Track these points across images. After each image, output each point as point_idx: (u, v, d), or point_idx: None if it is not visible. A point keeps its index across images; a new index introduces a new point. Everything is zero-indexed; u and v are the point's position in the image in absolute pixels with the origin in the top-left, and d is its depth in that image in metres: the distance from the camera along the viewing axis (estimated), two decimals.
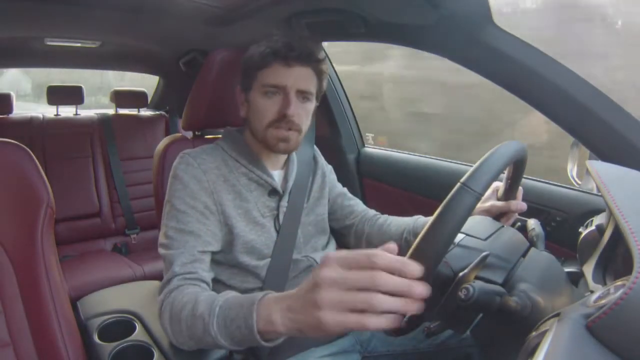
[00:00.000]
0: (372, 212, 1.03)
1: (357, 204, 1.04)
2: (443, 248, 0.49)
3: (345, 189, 1.06)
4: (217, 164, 0.84)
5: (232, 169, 0.85)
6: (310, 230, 0.92)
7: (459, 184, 0.50)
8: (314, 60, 0.83)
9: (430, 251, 0.49)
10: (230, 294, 0.65)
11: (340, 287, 0.43)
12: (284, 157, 0.93)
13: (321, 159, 1.04)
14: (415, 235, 0.88)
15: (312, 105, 0.86)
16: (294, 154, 0.95)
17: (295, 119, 0.81)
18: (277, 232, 0.86)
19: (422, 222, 0.90)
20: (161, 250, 0.78)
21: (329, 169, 1.05)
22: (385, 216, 1.00)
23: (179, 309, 0.67)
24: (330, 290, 0.43)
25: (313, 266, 0.89)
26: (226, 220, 0.81)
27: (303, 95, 0.83)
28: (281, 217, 0.87)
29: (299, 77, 0.81)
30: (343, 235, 1.04)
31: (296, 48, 0.80)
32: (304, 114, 0.83)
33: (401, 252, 0.93)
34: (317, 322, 0.44)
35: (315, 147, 1.05)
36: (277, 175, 0.90)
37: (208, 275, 0.77)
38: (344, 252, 0.45)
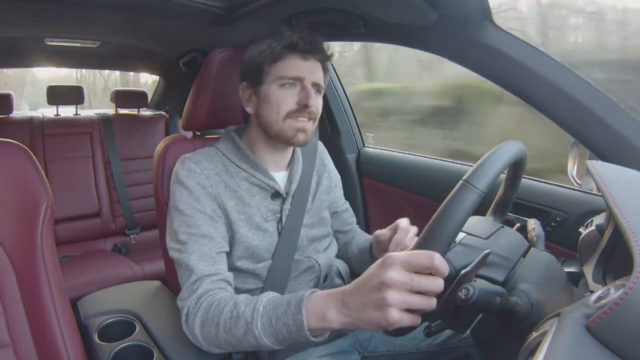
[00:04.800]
0: (358, 229, 1.08)
1: (355, 221, 1.09)
2: (445, 244, 0.49)
3: (348, 204, 1.08)
4: (217, 170, 0.84)
5: (233, 174, 0.85)
6: (314, 232, 0.92)
7: (461, 181, 0.50)
8: (324, 54, 0.85)
9: (432, 247, 0.49)
10: (270, 294, 0.66)
11: (407, 289, 0.48)
12: (288, 157, 0.92)
13: (329, 163, 1.05)
14: (360, 251, 0.98)
15: (321, 99, 0.87)
16: (299, 154, 0.94)
17: (313, 109, 0.82)
18: (279, 234, 0.86)
19: (364, 243, 0.98)
20: (174, 254, 0.78)
21: (338, 177, 1.07)
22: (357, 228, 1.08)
23: (216, 314, 0.68)
24: (400, 292, 0.48)
25: (314, 267, 0.89)
26: (230, 224, 0.82)
27: (317, 87, 0.84)
28: (284, 219, 0.87)
29: (313, 69, 0.83)
30: None
31: (312, 41, 0.82)
32: (318, 105, 0.85)
33: (351, 263, 0.95)
34: (380, 319, 0.49)
35: (324, 148, 1.06)
36: (280, 176, 0.90)
37: (230, 275, 0.78)
38: (404, 255, 0.49)
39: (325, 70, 0.87)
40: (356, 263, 1.00)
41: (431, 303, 0.49)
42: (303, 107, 0.81)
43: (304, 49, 0.81)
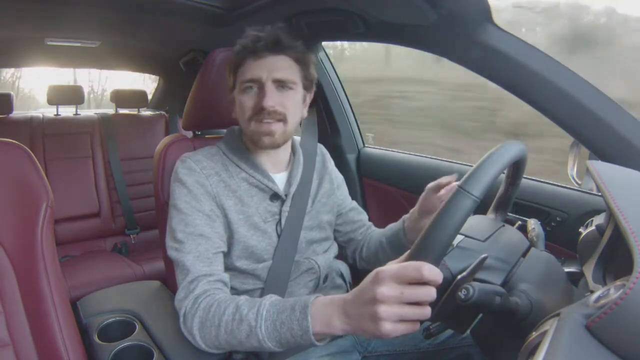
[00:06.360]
0: (372, 226, 1.04)
1: (366, 218, 1.05)
2: (440, 252, 0.49)
3: (355, 202, 1.06)
4: (217, 169, 0.84)
5: (233, 174, 0.85)
6: (313, 235, 0.91)
7: (457, 188, 0.50)
8: (285, 48, 0.81)
9: (427, 255, 0.49)
10: (272, 297, 0.66)
11: (399, 302, 0.50)
12: (283, 158, 0.92)
13: (331, 165, 1.03)
14: (387, 238, 0.93)
15: (297, 93, 0.83)
16: (300, 156, 0.94)
17: (277, 108, 0.79)
18: (279, 236, 0.86)
19: (394, 226, 0.93)
20: (172, 253, 0.78)
21: (340, 178, 1.05)
22: (371, 226, 1.04)
23: (216, 315, 0.68)
24: (391, 306, 0.50)
25: (314, 268, 0.89)
26: (229, 224, 0.81)
27: (282, 84, 0.81)
28: (283, 221, 0.87)
29: (273, 66, 0.80)
30: (342, 247, 1.04)
31: (262, 38, 0.79)
32: (287, 102, 0.81)
33: (378, 256, 0.92)
34: (375, 330, 0.51)
35: (326, 151, 1.05)
36: (280, 178, 0.89)
37: (226, 276, 0.77)
38: (394, 268, 0.50)
39: (299, 62, 0.83)
40: (385, 255, 0.93)
41: (425, 312, 0.50)
42: (260, 110, 0.79)
43: (254, 48, 0.79)
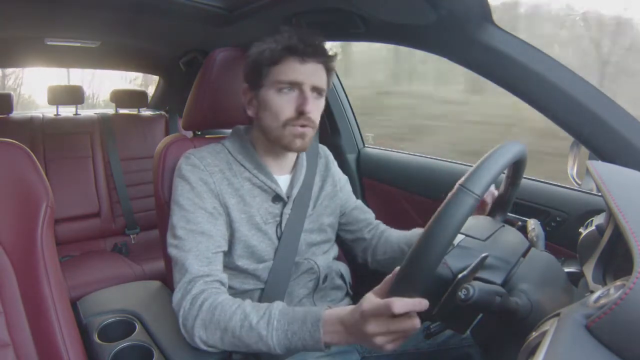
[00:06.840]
0: (382, 225, 1.03)
1: (372, 217, 1.04)
2: (441, 250, 0.49)
3: (360, 202, 1.06)
4: (221, 167, 0.84)
5: (236, 173, 0.85)
6: (313, 237, 0.91)
7: (457, 186, 0.50)
8: (326, 56, 0.82)
9: (428, 254, 0.49)
10: (280, 305, 0.68)
11: (385, 333, 0.58)
12: (291, 161, 0.92)
13: (334, 167, 1.03)
14: (410, 245, 0.90)
15: (323, 101, 0.85)
16: (303, 159, 0.93)
17: (312, 115, 0.80)
18: (279, 239, 0.86)
19: (419, 232, 0.91)
20: (172, 251, 0.77)
21: (344, 179, 1.05)
22: (385, 226, 1.02)
23: (222, 319, 0.68)
24: (380, 337, 0.58)
25: (313, 268, 0.89)
26: (231, 222, 0.81)
27: (317, 91, 0.81)
28: (284, 224, 0.87)
29: (313, 73, 0.80)
30: (351, 247, 1.04)
31: (310, 43, 0.79)
32: (317, 109, 0.82)
33: (396, 263, 0.95)
34: (379, 350, 0.59)
35: (329, 153, 1.05)
36: (283, 180, 0.89)
37: (224, 277, 0.77)
38: (372, 308, 0.57)
39: (328, 71, 0.83)
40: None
41: (415, 328, 0.57)
42: (300, 114, 0.79)
43: (302, 52, 0.78)
